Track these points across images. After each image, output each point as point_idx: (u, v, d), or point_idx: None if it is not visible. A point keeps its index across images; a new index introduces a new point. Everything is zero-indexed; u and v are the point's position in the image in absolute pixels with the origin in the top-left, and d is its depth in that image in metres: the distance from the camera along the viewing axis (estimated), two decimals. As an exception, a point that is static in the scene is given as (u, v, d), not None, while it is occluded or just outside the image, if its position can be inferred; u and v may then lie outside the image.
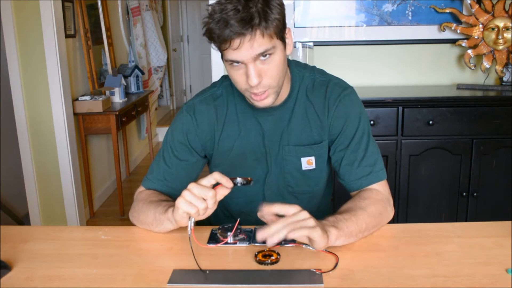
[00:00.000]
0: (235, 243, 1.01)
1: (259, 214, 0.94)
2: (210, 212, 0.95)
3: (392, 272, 0.89)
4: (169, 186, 1.17)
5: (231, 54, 0.97)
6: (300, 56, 2.36)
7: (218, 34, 0.95)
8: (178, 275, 0.90)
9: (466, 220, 2.29)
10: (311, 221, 0.89)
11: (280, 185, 1.20)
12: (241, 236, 1.03)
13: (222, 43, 0.96)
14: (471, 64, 2.45)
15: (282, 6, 1.00)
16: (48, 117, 2.79)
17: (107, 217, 3.25)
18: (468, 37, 2.44)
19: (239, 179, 0.94)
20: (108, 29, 3.62)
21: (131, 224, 1.15)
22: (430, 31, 2.51)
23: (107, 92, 3.32)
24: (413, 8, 2.50)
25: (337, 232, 0.94)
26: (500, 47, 2.36)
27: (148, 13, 4.48)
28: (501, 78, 2.46)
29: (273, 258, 0.94)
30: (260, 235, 0.87)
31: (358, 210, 1.02)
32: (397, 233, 1.06)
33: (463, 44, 2.45)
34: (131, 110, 3.45)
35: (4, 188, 2.90)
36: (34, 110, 2.78)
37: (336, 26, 2.55)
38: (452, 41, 2.49)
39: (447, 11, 2.44)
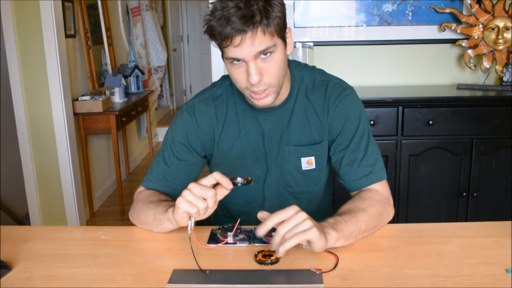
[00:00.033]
0: (235, 243, 1.01)
1: (259, 216, 0.94)
2: (210, 211, 0.95)
3: (392, 272, 0.89)
4: (169, 186, 1.17)
5: (232, 52, 0.97)
6: (300, 56, 2.36)
7: (219, 31, 0.95)
8: (178, 275, 0.90)
9: (466, 220, 2.29)
10: (308, 223, 0.88)
11: (280, 185, 1.20)
12: (241, 236, 1.03)
13: (223, 40, 0.96)
14: (471, 64, 2.45)
15: (283, 5, 1.00)
16: (48, 117, 2.79)
17: (107, 217, 3.25)
18: (468, 37, 2.44)
19: (239, 179, 0.94)
20: (108, 29, 3.62)
21: (131, 224, 1.15)
22: (430, 31, 2.51)
23: (107, 92, 3.32)
24: (413, 8, 2.50)
25: (336, 234, 0.94)
26: (500, 47, 2.36)
27: (148, 13, 4.48)
28: (501, 78, 2.46)
29: (273, 258, 0.94)
30: (260, 232, 0.89)
31: (358, 211, 1.02)
32: (397, 233, 1.06)
33: (463, 44, 2.45)
34: (131, 110, 3.45)
35: (4, 188, 2.90)
36: (34, 110, 2.78)
37: (336, 26, 2.55)
38: (452, 41, 2.49)
39: (447, 11, 2.44)
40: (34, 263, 0.96)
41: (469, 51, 2.44)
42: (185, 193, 0.92)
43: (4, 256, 0.98)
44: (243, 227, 1.07)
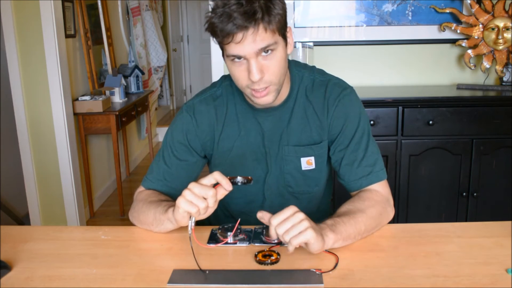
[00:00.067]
0: (235, 243, 1.01)
1: (258, 216, 0.94)
2: (210, 211, 0.95)
3: (392, 272, 0.89)
4: (169, 186, 1.17)
5: (233, 49, 0.97)
6: (300, 56, 2.36)
7: (221, 28, 0.95)
8: (178, 275, 0.90)
9: (466, 220, 2.29)
10: (305, 224, 0.89)
11: (280, 185, 1.20)
12: (241, 236, 1.03)
13: (224, 37, 0.96)
14: (471, 64, 2.45)
15: (284, 3, 1.01)
16: (48, 117, 2.79)
17: (107, 217, 3.25)
18: (468, 37, 2.44)
19: (239, 178, 0.94)
20: (108, 29, 3.62)
21: (131, 224, 1.15)
22: (430, 31, 2.51)
23: (107, 92, 3.32)
24: (413, 8, 2.50)
25: (334, 236, 0.94)
26: (500, 47, 2.36)
27: (148, 13, 4.48)
28: (501, 78, 2.46)
29: (273, 258, 0.94)
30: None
31: (357, 212, 1.02)
32: (397, 233, 1.06)
33: (463, 44, 2.45)
34: (131, 110, 3.45)
35: (4, 188, 2.90)
36: (34, 110, 2.78)
37: (336, 26, 2.55)
38: (452, 41, 2.49)
39: (447, 11, 2.44)
40: (34, 263, 0.96)
41: (469, 51, 2.44)
42: (186, 192, 0.92)
43: (4, 256, 0.98)
44: (243, 227, 1.07)
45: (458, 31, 2.43)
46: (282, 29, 1.01)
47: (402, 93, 2.38)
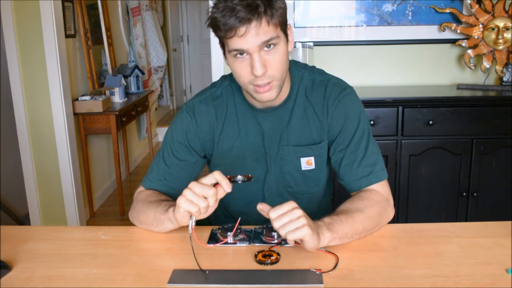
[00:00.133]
0: (235, 243, 1.01)
1: (258, 207, 0.94)
2: (211, 210, 0.95)
3: (392, 272, 0.89)
4: (169, 186, 1.17)
5: (236, 43, 0.97)
6: (300, 56, 2.36)
7: (224, 22, 0.95)
8: (178, 275, 0.90)
9: (466, 220, 2.29)
10: (302, 220, 0.89)
11: (279, 185, 1.20)
12: (241, 236, 1.03)
13: (227, 31, 0.96)
14: (471, 64, 2.45)
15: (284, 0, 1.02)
16: (48, 117, 2.79)
17: (107, 217, 3.25)
18: (468, 37, 2.44)
19: (239, 177, 0.94)
20: (108, 29, 3.62)
21: (131, 224, 1.15)
22: (430, 31, 2.51)
23: (107, 92, 3.32)
24: (413, 8, 2.50)
25: (330, 235, 0.94)
26: (500, 47, 2.36)
27: (148, 13, 4.48)
28: (501, 78, 2.46)
29: (273, 258, 0.94)
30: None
31: (356, 211, 1.02)
32: (397, 233, 1.06)
33: (463, 44, 2.45)
34: (131, 110, 3.45)
35: (4, 188, 2.90)
36: (34, 110, 2.78)
37: (336, 26, 2.55)
38: (452, 41, 2.49)
39: (447, 11, 2.44)
40: (34, 263, 0.96)
41: (469, 51, 2.44)
42: (186, 192, 0.92)
43: (4, 256, 0.98)
44: (243, 227, 1.07)
45: (458, 31, 2.43)
46: (284, 25, 1.02)
47: (402, 93, 2.38)
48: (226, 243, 1.01)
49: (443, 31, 2.48)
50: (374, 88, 2.51)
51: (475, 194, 2.25)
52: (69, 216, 2.92)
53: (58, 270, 0.93)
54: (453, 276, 0.87)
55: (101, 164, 3.51)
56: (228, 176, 0.93)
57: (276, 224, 0.89)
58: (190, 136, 1.17)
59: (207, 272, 0.90)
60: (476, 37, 2.41)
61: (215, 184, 0.93)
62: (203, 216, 0.96)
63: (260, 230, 1.05)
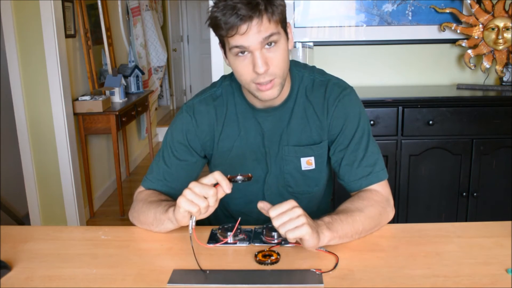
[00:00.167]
0: (235, 243, 1.01)
1: (259, 206, 0.93)
2: (211, 210, 0.95)
3: (392, 272, 0.89)
4: (169, 186, 1.17)
5: (238, 40, 0.97)
6: (300, 56, 2.36)
7: (225, 21, 0.96)
8: (178, 275, 0.90)
9: (466, 220, 2.29)
10: (302, 219, 0.89)
11: (279, 185, 1.20)
12: (241, 236, 1.03)
13: (229, 29, 0.96)
14: (471, 64, 2.45)
15: None
16: (48, 117, 2.79)
17: (107, 217, 3.25)
18: (468, 37, 2.44)
19: (239, 177, 0.94)
20: (108, 29, 3.62)
21: (131, 224, 1.15)
22: (430, 31, 2.51)
23: (107, 92, 3.32)
24: (413, 8, 2.50)
25: (330, 234, 0.94)
26: (500, 47, 2.36)
27: (148, 13, 4.48)
28: (501, 78, 2.46)
29: (273, 258, 0.94)
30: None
31: (356, 211, 1.02)
32: (397, 233, 1.06)
33: (463, 44, 2.45)
34: (131, 110, 3.45)
35: (4, 188, 2.90)
36: (34, 110, 2.78)
37: (336, 26, 2.55)
38: (452, 41, 2.49)
39: (447, 11, 2.44)
40: (34, 263, 0.96)
41: (469, 51, 2.44)
42: (186, 192, 0.92)
43: (4, 256, 0.98)
44: (243, 227, 1.07)
45: (458, 31, 2.43)
46: (284, 22, 1.02)
47: (402, 93, 2.38)
48: (226, 243, 1.01)
49: (443, 31, 2.48)
50: (374, 88, 2.51)
51: (475, 194, 2.25)
52: (69, 216, 2.92)
53: (58, 270, 0.93)
54: (453, 276, 0.87)
55: (101, 164, 3.51)
56: (228, 176, 0.93)
57: (276, 223, 0.89)
58: (190, 136, 1.17)
59: (207, 272, 0.90)
60: (476, 37, 2.41)
61: (215, 184, 0.93)
62: (203, 216, 0.96)
63: (260, 230, 1.05)
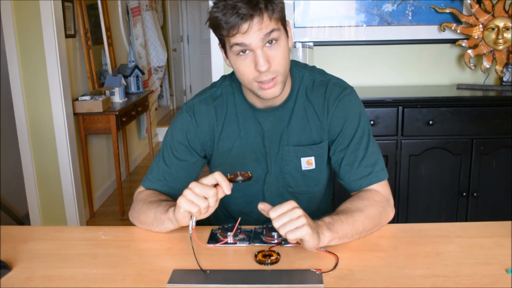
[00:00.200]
0: (235, 243, 1.01)
1: (259, 207, 0.93)
2: (211, 210, 0.95)
3: (392, 272, 0.89)
4: (169, 186, 1.17)
5: (239, 38, 0.97)
6: (300, 56, 2.36)
7: (226, 20, 0.96)
8: (178, 275, 0.90)
9: (466, 220, 2.29)
10: (302, 220, 0.89)
11: (280, 185, 1.20)
12: (241, 236, 1.03)
13: (230, 29, 0.96)
14: (471, 64, 2.45)
15: None
16: (48, 117, 2.79)
17: (107, 217, 3.25)
18: (468, 37, 2.44)
19: (239, 178, 0.94)
20: (108, 29, 3.62)
21: (131, 224, 1.15)
22: (430, 31, 2.51)
23: (107, 92, 3.32)
24: (413, 8, 2.50)
25: (330, 234, 0.94)
26: (500, 47, 2.36)
27: (148, 13, 4.48)
28: (501, 78, 2.46)
29: (273, 258, 0.94)
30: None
31: (356, 211, 1.02)
32: (397, 233, 1.06)
33: (463, 44, 2.45)
34: (131, 110, 3.45)
35: (4, 188, 2.90)
36: (34, 110, 2.78)
37: (336, 26, 2.55)
38: (452, 41, 2.49)
39: (447, 11, 2.44)
40: (34, 263, 0.96)
41: (469, 51, 2.44)
42: (186, 192, 0.92)
43: (4, 256, 0.98)
44: (243, 227, 1.07)
45: (458, 31, 2.43)
46: (283, 20, 1.03)
47: (402, 93, 2.38)
48: (226, 243, 1.01)
49: (443, 31, 2.48)
50: (374, 88, 2.51)
51: (475, 194, 2.25)
52: (69, 216, 2.92)
53: (58, 270, 0.93)
54: (453, 276, 0.87)
55: (101, 164, 3.51)
56: (228, 176, 0.93)
57: (276, 224, 0.89)
58: (190, 136, 1.17)
59: (207, 272, 0.90)
60: (476, 37, 2.41)
61: (216, 185, 0.93)
62: (203, 216, 0.96)
63: (260, 230, 1.05)
